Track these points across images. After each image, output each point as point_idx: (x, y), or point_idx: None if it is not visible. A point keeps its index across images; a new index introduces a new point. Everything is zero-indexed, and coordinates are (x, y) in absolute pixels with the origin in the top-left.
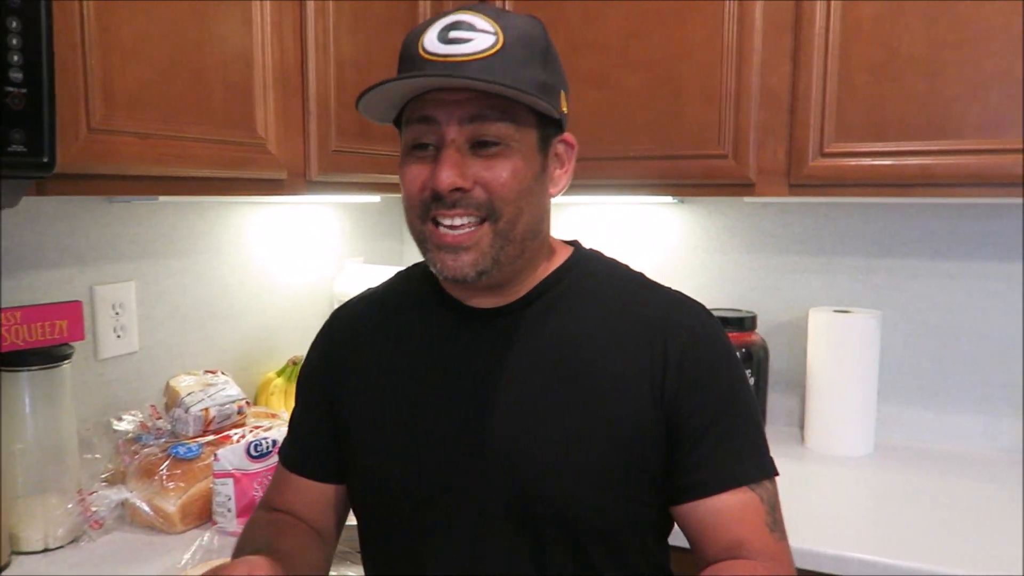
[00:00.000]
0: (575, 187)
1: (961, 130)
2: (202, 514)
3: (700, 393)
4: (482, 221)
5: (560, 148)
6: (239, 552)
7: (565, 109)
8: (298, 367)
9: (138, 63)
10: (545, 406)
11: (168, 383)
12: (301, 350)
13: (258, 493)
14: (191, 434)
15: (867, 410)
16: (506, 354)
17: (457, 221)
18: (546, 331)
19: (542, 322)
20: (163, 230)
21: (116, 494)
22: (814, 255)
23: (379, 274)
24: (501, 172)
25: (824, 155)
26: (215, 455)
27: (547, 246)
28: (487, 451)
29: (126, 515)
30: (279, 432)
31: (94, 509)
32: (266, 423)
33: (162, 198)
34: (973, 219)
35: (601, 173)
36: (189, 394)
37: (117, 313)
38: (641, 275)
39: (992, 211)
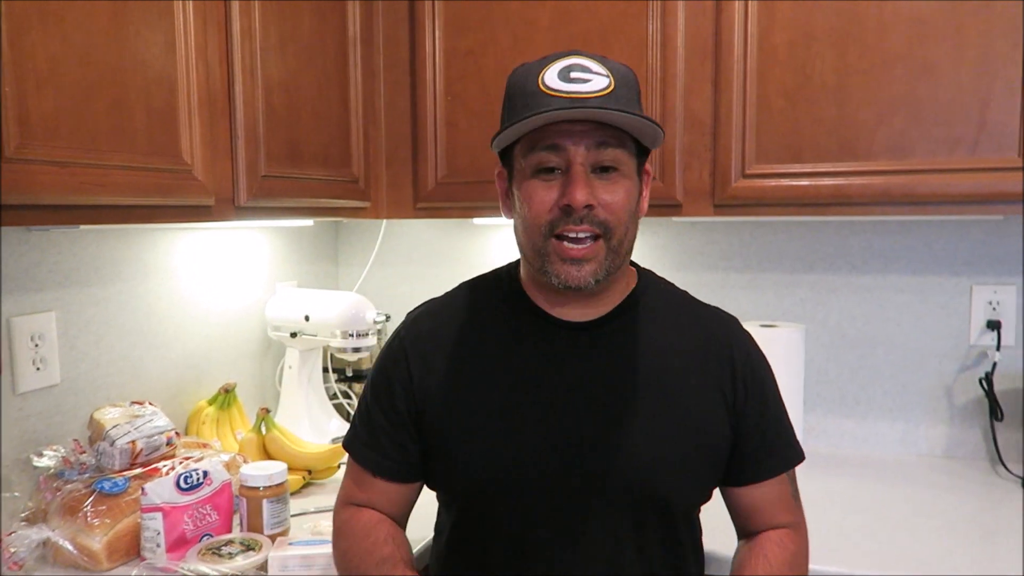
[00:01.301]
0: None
1: (870, 152)
2: (130, 550)
3: (757, 401)
4: (596, 238)
5: (646, 176)
6: (360, 560)
7: None
8: (231, 394)
9: (54, 89)
10: (636, 409)
11: (92, 416)
12: (232, 377)
13: (188, 527)
14: (117, 468)
15: (794, 421)
16: (597, 362)
17: (582, 235)
18: (631, 343)
19: (627, 334)
20: (85, 258)
21: (37, 533)
22: (740, 272)
23: (313, 298)
24: (618, 193)
25: (746, 176)
26: (142, 489)
27: (628, 267)
28: (590, 446)
29: (48, 555)
30: (210, 463)
31: (13, 550)
32: (197, 453)
33: (83, 226)
34: (886, 235)
35: None
36: (114, 426)
37: (36, 345)
38: (686, 292)
39: (902, 227)
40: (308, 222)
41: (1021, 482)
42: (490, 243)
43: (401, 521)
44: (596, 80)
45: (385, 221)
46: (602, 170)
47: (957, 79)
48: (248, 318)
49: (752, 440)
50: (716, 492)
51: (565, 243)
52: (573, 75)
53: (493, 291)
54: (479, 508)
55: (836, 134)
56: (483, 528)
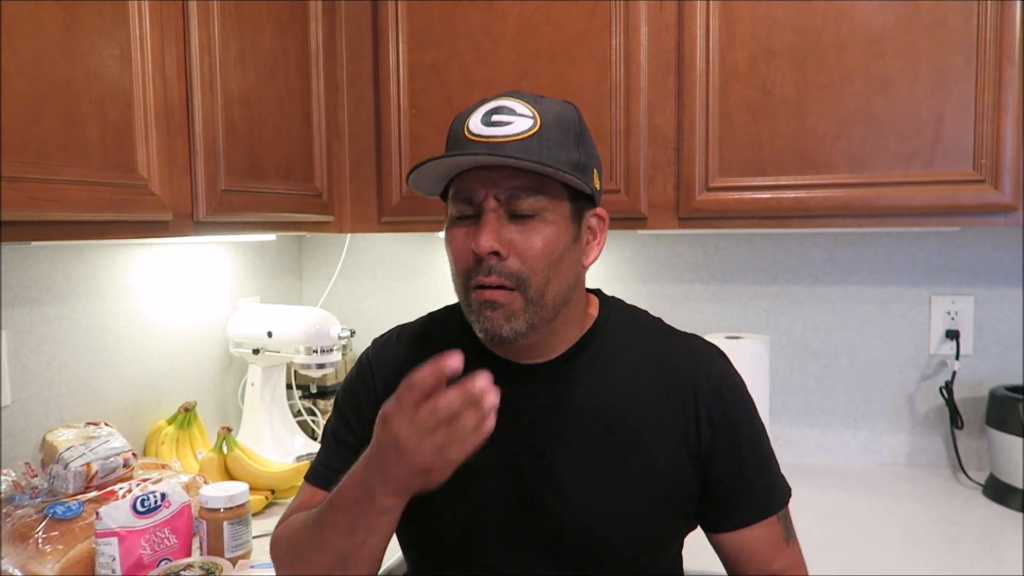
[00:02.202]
0: None
1: (830, 165)
2: None
3: (727, 441)
4: (513, 289)
5: (593, 221)
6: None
7: (598, 185)
8: (191, 413)
9: (3, 103)
10: (586, 456)
11: (45, 438)
12: (193, 395)
13: (146, 551)
14: (71, 492)
15: None
16: (549, 407)
17: (493, 285)
18: (585, 385)
19: (580, 376)
20: (37, 275)
21: None
22: (705, 284)
23: (276, 313)
24: (535, 240)
25: (709, 189)
26: (97, 513)
27: (582, 308)
28: (536, 495)
29: None
30: (168, 484)
31: None
32: (155, 475)
33: (35, 243)
34: (847, 247)
35: None
36: (68, 449)
37: None
38: (659, 321)
39: (863, 239)
40: (271, 237)
41: (981, 489)
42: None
43: None
44: (518, 122)
45: (349, 235)
46: (520, 217)
47: (913, 94)
48: (209, 335)
49: (725, 483)
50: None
51: (480, 290)
52: (495, 118)
53: (454, 325)
54: (428, 555)
55: (797, 147)
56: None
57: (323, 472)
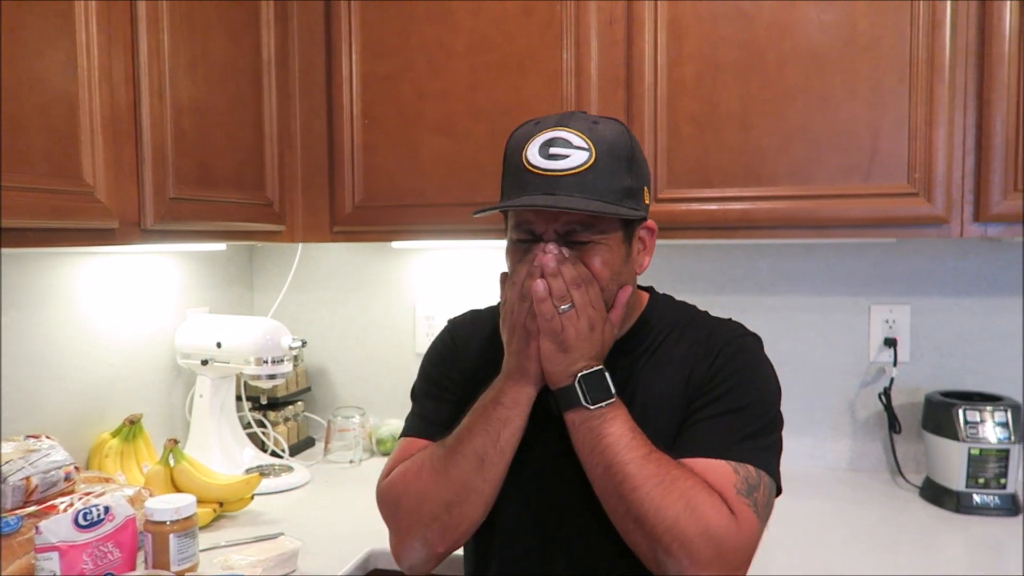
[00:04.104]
0: (424, 232)
1: (774, 178)
2: None
3: (717, 380)
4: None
5: (643, 233)
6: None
7: (647, 201)
8: (136, 426)
9: None
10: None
11: None
12: (139, 407)
13: (88, 566)
14: (9, 507)
15: None
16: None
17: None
18: (630, 375)
19: (628, 366)
20: None
21: None
22: None
23: (226, 323)
24: (594, 263)
25: (659, 201)
26: (37, 527)
27: (634, 305)
28: (563, 516)
29: None
30: (112, 497)
31: None
32: (99, 488)
33: None
34: (791, 257)
35: (450, 218)
36: (7, 462)
37: None
38: (704, 312)
39: (806, 250)
40: (221, 246)
41: (919, 491)
42: (409, 266)
43: None
44: (575, 156)
45: (301, 245)
46: (578, 243)
47: (851, 110)
48: (156, 346)
49: (699, 412)
50: None
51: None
52: (552, 151)
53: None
54: (477, 546)
55: (742, 160)
56: (479, 568)
57: (421, 424)
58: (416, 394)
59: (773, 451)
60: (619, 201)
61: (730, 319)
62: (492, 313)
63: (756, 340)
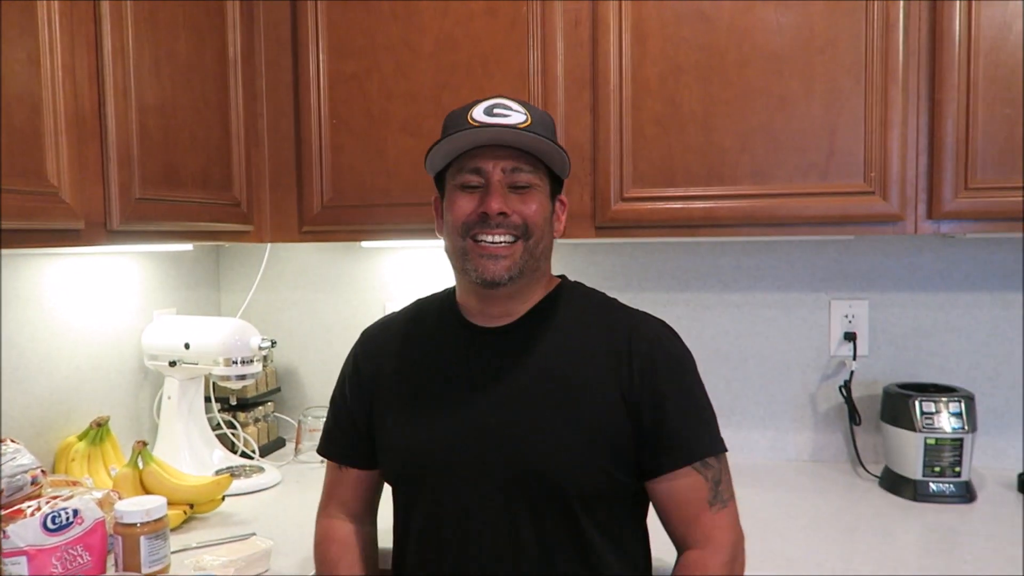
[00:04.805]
0: (392, 232)
1: (736, 177)
2: None
3: (651, 391)
4: (516, 240)
5: (558, 205)
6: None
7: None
8: (103, 428)
9: None
10: (534, 401)
11: None
12: (106, 410)
13: (57, 569)
14: None
15: None
16: (507, 361)
17: (499, 239)
18: (537, 343)
19: (534, 336)
20: None
21: None
22: (621, 291)
23: (194, 324)
24: (532, 205)
25: (624, 199)
26: (4, 531)
27: (548, 275)
28: (491, 435)
29: None
30: (81, 500)
31: None
32: (66, 492)
33: None
34: (753, 254)
35: (418, 218)
36: None
37: None
38: (615, 300)
39: (767, 247)
40: (187, 247)
41: (878, 481)
42: (379, 266)
43: (370, 512)
44: (515, 116)
45: (269, 245)
46: (518, 188)
47: (809, 111)
48: (122, 348)
49: (650, 428)
50: None
51: (481, 243)
52: (496, 111)
53: (432, 305)
54: (406, 491)
55: (705, 160)
56: (410, 509)
57: (329, 447)
58: (330, 403)
59: (715, 423)
60: (560, 146)
61: (644, 311)
62: (406, 310)
63: (672, 329)
